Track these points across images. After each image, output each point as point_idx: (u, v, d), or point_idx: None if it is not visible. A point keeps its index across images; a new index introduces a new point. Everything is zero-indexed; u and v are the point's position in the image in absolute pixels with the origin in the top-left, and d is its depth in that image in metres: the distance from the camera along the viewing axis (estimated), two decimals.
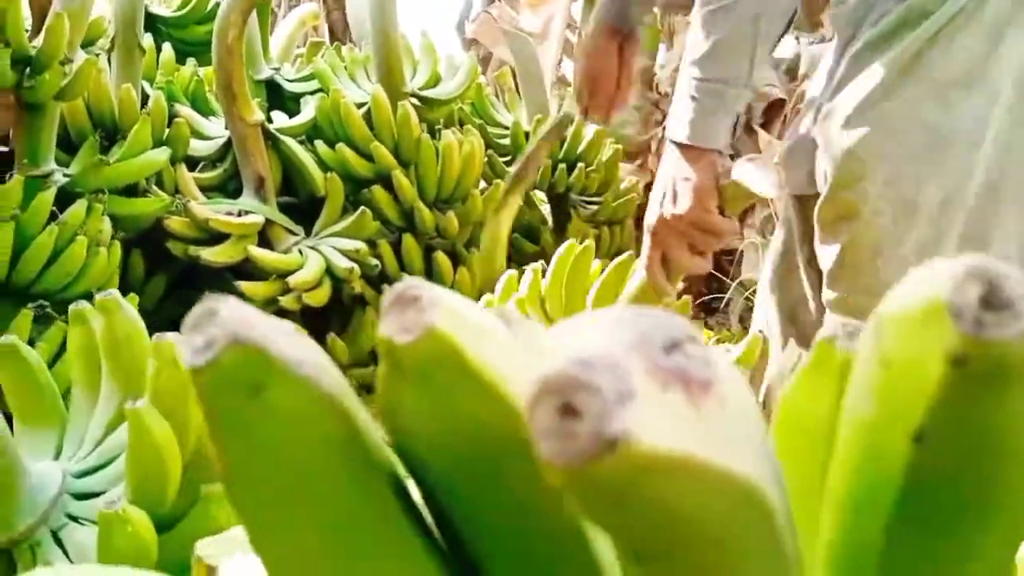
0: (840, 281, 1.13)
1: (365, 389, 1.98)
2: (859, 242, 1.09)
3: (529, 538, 0.26)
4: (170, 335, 0.72)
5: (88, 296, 1.55)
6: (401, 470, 0.26)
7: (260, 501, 0.23)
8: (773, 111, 2.84)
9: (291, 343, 0.23)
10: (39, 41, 1.56)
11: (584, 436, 0.15)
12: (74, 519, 0.71)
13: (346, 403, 0.24)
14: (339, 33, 5.08)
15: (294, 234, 1.92)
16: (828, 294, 1.14)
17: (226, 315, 0.22)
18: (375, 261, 1.93)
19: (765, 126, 2.89)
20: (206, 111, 2.13)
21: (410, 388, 0.23)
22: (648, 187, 2.79)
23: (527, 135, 2.37)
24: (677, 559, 0.19)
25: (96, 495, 0.73)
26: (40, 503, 0.70)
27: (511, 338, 0.25)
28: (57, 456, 0.78)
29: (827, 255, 1.15)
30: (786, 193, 1.41)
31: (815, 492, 0.29)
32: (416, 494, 0.27)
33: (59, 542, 0.70)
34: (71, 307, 0.81)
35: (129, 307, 0.79)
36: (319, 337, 1.91)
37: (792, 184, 1.29)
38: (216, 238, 1.78)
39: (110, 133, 1.79)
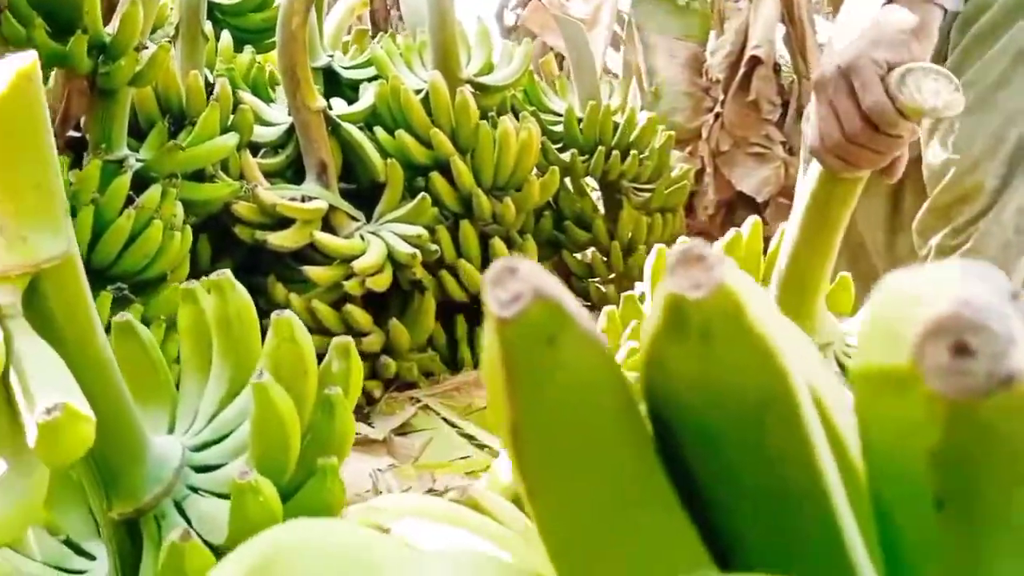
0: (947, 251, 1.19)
1: (425, 375, 2.00)
2: (974, 214, 1.15)
3: (775, 493, 0.27)
4: (288, 312, 0.74)
5: (163, 278, 1.59)
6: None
7: (544, 449, 0.24)
8: None
9: (574, 299, 0.24)
10: (112, 28, 1.59)
11: (980, 374, 0.16)
12: (195, 490, 0.74)
13: (617, 361, 0.25)
14: (380, 22, 5.10)
15: (355, 220, 1.94)
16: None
17: (526, 271, 0.23)
18: (435, 247, 1.94)
19: None
20: (265, 98, 2.15)
21: (690, 343, 0.24)
22: (699, 175, 2.80)
23: (580, 121, 2.38)
24: (989, 503, 0.20)
25: (213, 468, 0.75)
26: (164, 475, 0.72)
27: (770, 299, 0.26)
28: (170, 431, 0.80)
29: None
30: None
31: None
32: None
33: (182, 513, 0.72)
34: (181, 285, 0.83)
35: (240, 286, 0.81)
36: (380, 322, 1.93)
37: None
38: (281, 223, 1.80)
39: (177, 119, 1.81)
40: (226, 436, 0.77)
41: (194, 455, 0.76)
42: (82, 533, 0.82)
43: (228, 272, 0.80)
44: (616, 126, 2.37)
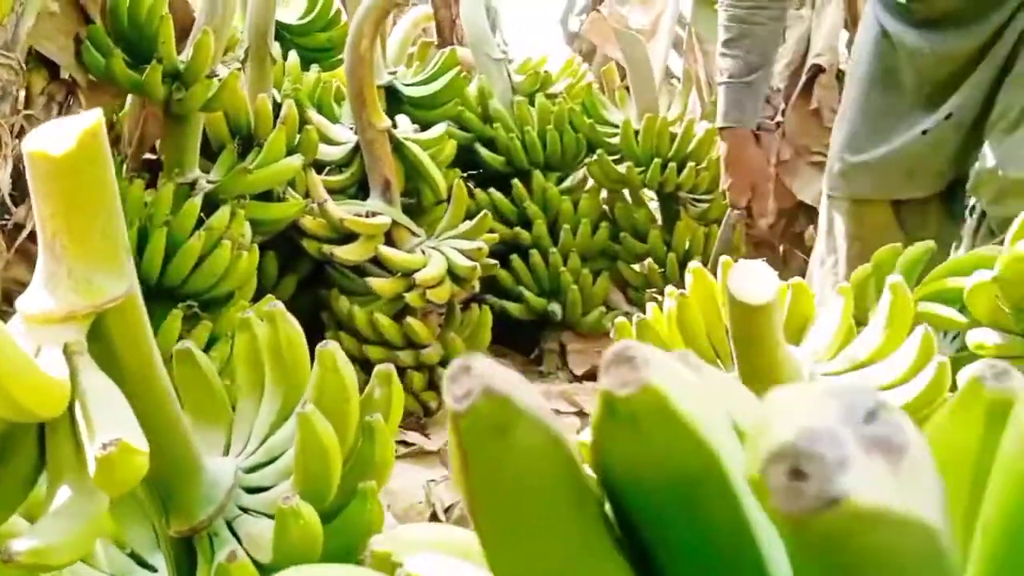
0: None
1: None
2: None
3: (711, 554, 0.30)
4: (332, 344, 0.79)
5: (231, 296, 1.66)
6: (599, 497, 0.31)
7: (494, 520, 0.28)
8: None
9: (527, 392, 0.27)
10: (186, 56, 1.67)
11: (811, 495, 0.19)
12: (245, 511, 0.79)
13: (568, 443, 0.28)
14: (446, 32, 5.17)
15: (415, 235, 2.00)
16: None
17: (479, 369, 0.27)
18: (494, 260, 1.99)
19: None
20: (330, 116, 2.22)
21: (622, 432, 0.27)
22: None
23: (637, 134, 2.39)
24: None
25: (264, 489, 0.80)
26: (216, 495, 0.77)
27: (702, 387, 0.29)
28: (226, 452, 0.86)
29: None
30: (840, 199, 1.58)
31: (957, 523, 0.32)
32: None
33: (233, 532, 0.77)
34: (239, 315, 0.89)
35: (290, 316, 0.86)
36: (439, 335, 1.98)
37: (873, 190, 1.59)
38: (347, 238, 1.87)
39: (246, 141, 1.89)
40: (276, 458, 0.82)
41: (246, 476, 0.81)
42: (145, 547, 0.89)
43: (279, 303, 0.85)
44: (673, 138, 2.38)
